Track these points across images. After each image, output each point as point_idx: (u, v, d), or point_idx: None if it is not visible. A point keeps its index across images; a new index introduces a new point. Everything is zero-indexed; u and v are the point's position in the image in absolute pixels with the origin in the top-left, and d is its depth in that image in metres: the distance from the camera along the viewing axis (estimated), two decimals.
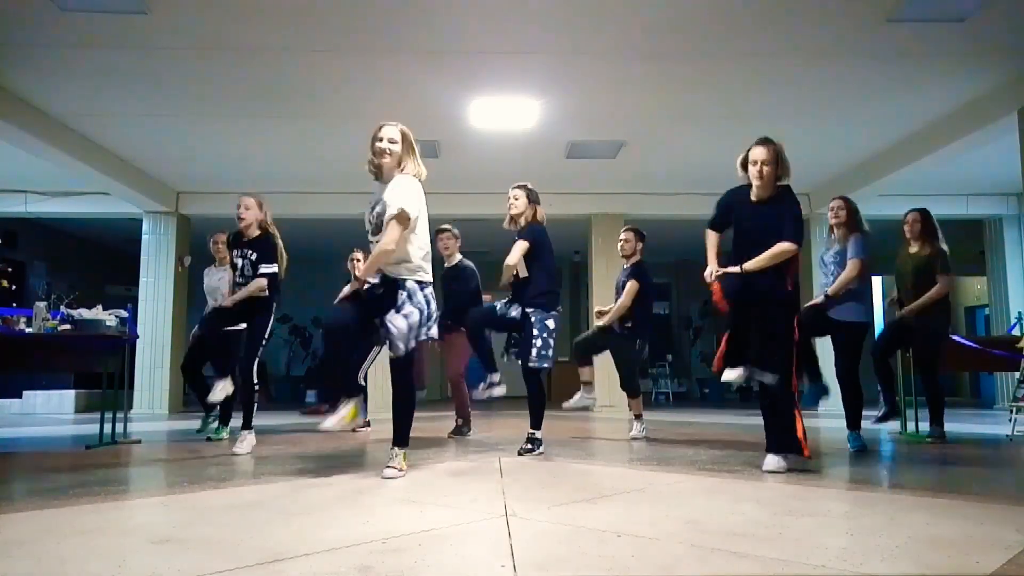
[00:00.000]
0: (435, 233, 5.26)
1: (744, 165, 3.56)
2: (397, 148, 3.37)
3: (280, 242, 4.67)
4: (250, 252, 4.51)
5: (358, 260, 5.85)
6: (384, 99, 6.41)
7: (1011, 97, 5.99)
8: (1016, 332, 6.22)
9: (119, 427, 5.13)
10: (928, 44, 5.34)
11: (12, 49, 5.38)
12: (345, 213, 9.45)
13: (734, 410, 9.30)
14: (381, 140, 3.37)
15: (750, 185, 3.58)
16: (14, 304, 8.52)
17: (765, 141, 3.55)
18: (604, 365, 5.90)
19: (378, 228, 3.31)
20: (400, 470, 3.32)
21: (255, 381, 4.45)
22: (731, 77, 5.99)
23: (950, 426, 6.35)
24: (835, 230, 4.62)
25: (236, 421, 4.81)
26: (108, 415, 4.96)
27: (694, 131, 7.31)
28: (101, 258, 12.37)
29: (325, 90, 6.24)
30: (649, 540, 2.03)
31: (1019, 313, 6.57)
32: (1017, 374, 5.54)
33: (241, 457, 4.16)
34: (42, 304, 4.87)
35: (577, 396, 5.15)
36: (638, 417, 5.35)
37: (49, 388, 9.31)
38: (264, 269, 4.47)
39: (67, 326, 4.73)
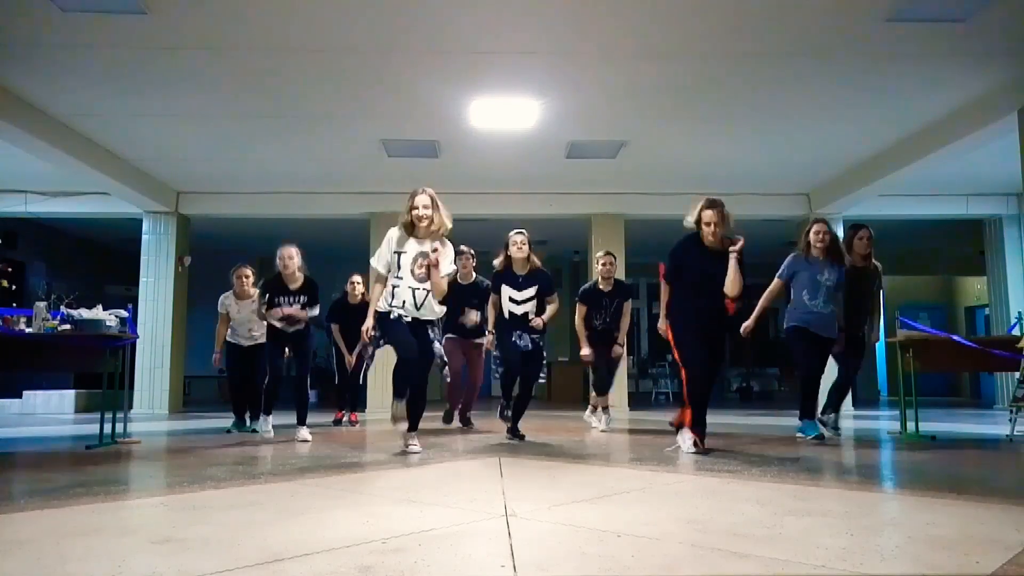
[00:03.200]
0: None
1: (697, 223, 4.26)
2: (430, 212, 4.10)
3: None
4: (302, 298, 5.24)
5: (357, 283, 6.64)
6: (384, 99, 6.42)
7: (1011, 97, 5.98)
8: (1016, 332, 6.22)
9: (119, 427, 5.13)
10: (928, 44, 5.34)
11: (12, 49, 5.38)
12: (345, 213, 9.48)
13: (733, 410, 9.29)
14: (417, 208, 4.09)
15: (695, 235, 4.30)
16: (14, 304, 8.53)
17: (713, 203, 4.22)
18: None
19: (424, 277, 4.14)
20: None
21: (308, 388, 5.54)
22: (731, 77, 5.99)
23: (951, 426, 6.36)
24: (820, 252, 4.99)
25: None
26: (108, 415, 4.96)
27: (694, 131, 7.32)
28: (101, 258, 12.37)
29: (325, 90, 6.24)
30: (649, 540, 2.03)
31: (1019, 313, 6.57)
32: (1017, 374, 5.54)
33: (241, 457, 4.17)
34: (42, 304, 4.87)
35: (604, 420, 6.03)
36: (605, 409, 6.09)
37: (49, 388, 9.30)
38: (312, 313, 5.33)
39: (67, 326, 4.73)
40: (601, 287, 5.82)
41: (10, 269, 10.10)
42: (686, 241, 4.34)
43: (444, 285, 4.13)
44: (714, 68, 5.81)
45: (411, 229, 4.14)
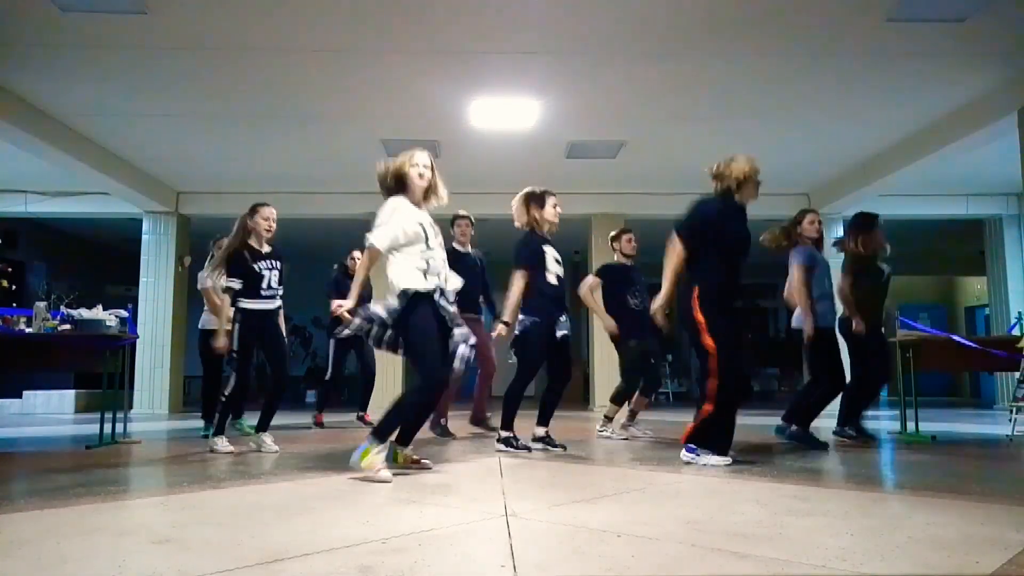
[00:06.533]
0: (452, 218, 5.49)
1: (745, 179, 3.68)
2: (430, 174, 3.47)
3: None
4: (279, 264, 4.55)
5: (358, 258, 6.18)
6: (384, 99, 6.42)
7: (1011, 97, 5.99)
8: (1016, 332, 6.21)
9: (119, 427, 5.13)
10: (928, 44, 5.34)
11: (12, 49, 5.39)
12: (345, 213, 9.46)
13: None
14: (417, 165, 3.43)
15: (722, 198, 3.70)
16: (14, 304, 8.52)
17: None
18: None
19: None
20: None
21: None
22: (731, 77, 5.99)
23: (951, 426, 6.36)
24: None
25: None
26: (108, 415, 4.96)
27: (694, 131, 7.32)
28: (101, 258, 12.37)
29: (325, 90, 6.24)
30: (649, 540, 2.03)
31: (1019, 313, 6.57)
32: (1017, 374, 5.54)
33: (241, 457, 4.16)
34: (42, 304, 4.86)
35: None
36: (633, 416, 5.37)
37: (49, 388, 9.30)
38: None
39: (67, 326, 4.73)
40: (627, 263, 5.38)
41: (10, 269, 10.10)
42: (721, 203, 3.68)
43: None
44: (714, 68, 5.82)
45: (408, 194, 3.43)
